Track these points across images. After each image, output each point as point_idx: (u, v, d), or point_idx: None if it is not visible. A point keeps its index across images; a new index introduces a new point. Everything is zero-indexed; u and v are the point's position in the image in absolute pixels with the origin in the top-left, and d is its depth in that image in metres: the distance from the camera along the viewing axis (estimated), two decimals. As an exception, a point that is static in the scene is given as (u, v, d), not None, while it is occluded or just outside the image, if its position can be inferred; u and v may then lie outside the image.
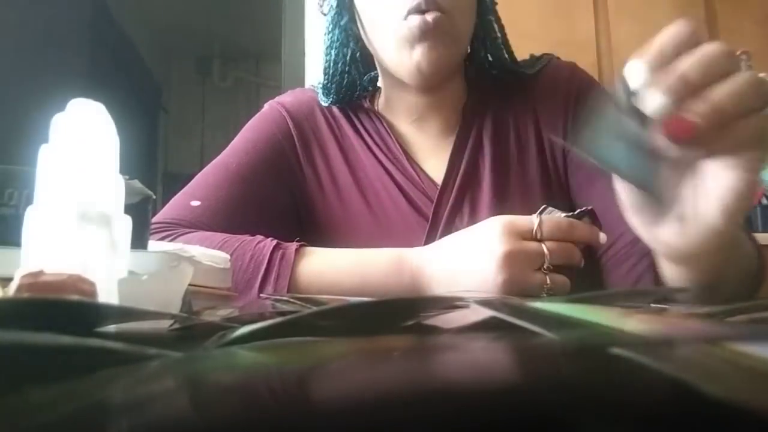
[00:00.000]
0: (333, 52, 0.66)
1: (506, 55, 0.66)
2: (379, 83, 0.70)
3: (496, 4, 0.66)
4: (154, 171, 3.57)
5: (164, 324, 0.23)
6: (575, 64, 0.69)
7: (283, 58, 2.05)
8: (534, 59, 0.70)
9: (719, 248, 0.37)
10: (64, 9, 2.37)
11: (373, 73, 0.69)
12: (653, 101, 0.32)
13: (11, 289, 0.20)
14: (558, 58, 0.71)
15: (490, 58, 0.66)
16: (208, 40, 3.60)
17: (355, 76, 0.67)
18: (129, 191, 0.26)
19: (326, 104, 0.69)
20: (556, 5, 2.08)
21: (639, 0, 2.11)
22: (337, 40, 0.65)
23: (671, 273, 0.42)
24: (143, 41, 3.34)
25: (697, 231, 0.36)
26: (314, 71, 1.98)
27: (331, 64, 0.66)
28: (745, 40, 2.13)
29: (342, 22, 0.64)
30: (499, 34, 0.66)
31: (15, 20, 1.99)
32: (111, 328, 0.20)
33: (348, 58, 0.65)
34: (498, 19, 0.66)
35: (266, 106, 0.72)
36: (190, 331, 0.23)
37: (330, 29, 0.65)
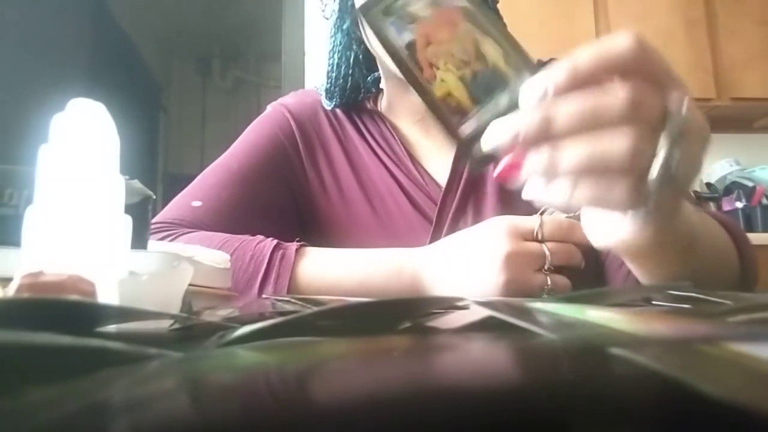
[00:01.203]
0: (336, 56, 0.66)
1: None
2: (382, 85, 0.70)
3: (497, 2, 0.66)
4: (154, 171, 3.58)
5: (164, 324, 0.23)
6: None
7: (283, 58, 2.05)
8: (541, 64, 0.70)
9: (675, 238, 0.36)
10: (64, 9, 2.37)
11: (376, 74, 0.69)
12: (501, 133, 0.32)
13: (11, 289, 0.20)
14: None
15: None
16: (208, 40, 3.60)
17: (359, 78, 0.67)
18: (129, 191, 0.26)
19: (330, 107, 0.69)
20: (556, 5, 2.08)
21: (639, 0, 2.11)
22: (340, 43, 0.65)
23: (640, 273, 0.42)
24: (143, 41, 3.34)
25: (642, 225, 0.34)
26: (314, 71, 1.99)
27: (334, 68, 0.66)
28: (745, 40, 2.13)
29: (344, 26, 0.64)
30: None
31: (15, 20, 1.99)
32: (111, 328, 0.20)
33: (351, 60, 0.65)
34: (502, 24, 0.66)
35: (269, 107, 0.72)
36: (190, 331, 0.23)
37: (333, 33, 0.65)
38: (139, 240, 0.30)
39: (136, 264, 0.26)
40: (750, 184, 2.14)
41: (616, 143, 0.29)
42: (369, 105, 0.70)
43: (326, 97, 0.68)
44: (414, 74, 0.36)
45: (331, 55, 0.66)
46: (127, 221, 0.25)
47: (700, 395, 0.09)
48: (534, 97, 0.31)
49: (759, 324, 0.19)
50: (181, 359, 0.14)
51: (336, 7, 0.64)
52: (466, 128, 0.36)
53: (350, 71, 0.66)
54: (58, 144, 0.24)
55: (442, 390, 0.11)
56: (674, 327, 0.16)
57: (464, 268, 0.46)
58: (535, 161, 0.31)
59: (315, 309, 0.20)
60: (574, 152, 0.30)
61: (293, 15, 2.05)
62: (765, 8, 2.16)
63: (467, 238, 0.48)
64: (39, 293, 0.20)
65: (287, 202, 0.66)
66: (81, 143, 0.24)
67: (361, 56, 0.66)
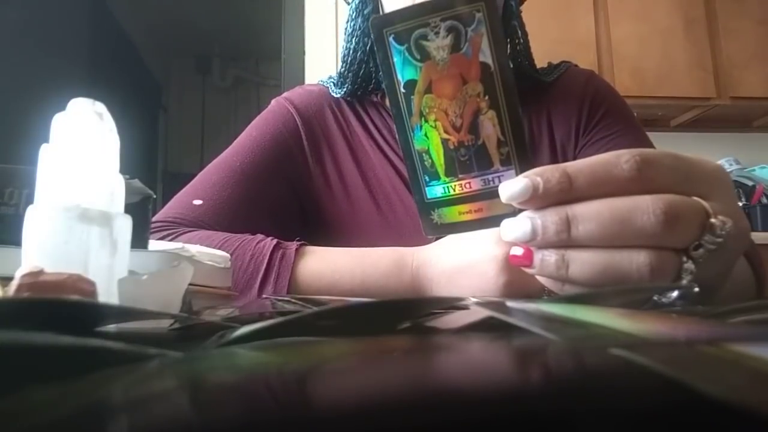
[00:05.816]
0: (354, 41, 0.66)
1: (526, 62, 0.66)
2: None
3: (522, 3, 0.66)
4: (154, 170, 3.58)
5: (164, 324, 0.23)
6: (593, 72, 0.70)
7: (283, 57, 2.05)
8: (552, 67, 0.70)
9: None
10: (64, 9, 2.37)
11: None
12: (520, 227, 0.29)
13: (11, 289, 0.20)
14: (576, 65, 0.71)
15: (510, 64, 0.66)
16: (208, 39, 3.60)
17: (372, 67, 0.67)
18: (129, 191, 0.26)
19: (339, 95, 0.68)
20: (556, 4, 2.08)
21: (639, 0, 2.11)
22: (359, 28, 0.65)
23: None
24: (143, 41, 3.34)
25: None
26: (314, 70, 1.98)
27: (350, 52, 0.66)
28: (745, 40, 2.13)
29: (366, 11, 0.64)
30: (522, 41, 0.66)
31: (15, 20, 1.99)
32: (111, 328, 0.20)
33: (368, 47, 0.65)
34: (522, 25, 0.65)
35: (273, 102, 0.71)
36: (190, 331, 0.23)
37: (353, 17, 0.65)
38: (140, 239, 0.30)
39: (136, 264, 0.26)
40: (750, 183, 2.14)
41: (636, 261, 0.27)
42: (377, 99, 0.69)
43: (338, 84, 0.68)
44: (402, 115, 0.34)
45: (348, 39, 0.66)
46: (127, 221, 0.25)
47: (700, 395, 0.09)
48: (515, 196, 0.29)
49: (759, 324, 0.19)
50: (181, 359, 0.14)
51: None
52: (432, 192, 0.34)
53: (365, 57, 0.66)
54: (58, 144, 0.24)
55: (442, 391, 0.11)
56: (674, 327, 0.16)
57: (464, 269, 0.46)
58: (545, 265, 0.30)
59: (315, 309, 0.20)
60: (588, 263, 0.28)
61: (293, 15, 2.04)
62: (765, 8, 2.16)
63: (468, 238, 0.48)
64: (39, 293, 0.20)
65: (290, 200, 0.66)
66: (81, 143, 0.24)
67: None
